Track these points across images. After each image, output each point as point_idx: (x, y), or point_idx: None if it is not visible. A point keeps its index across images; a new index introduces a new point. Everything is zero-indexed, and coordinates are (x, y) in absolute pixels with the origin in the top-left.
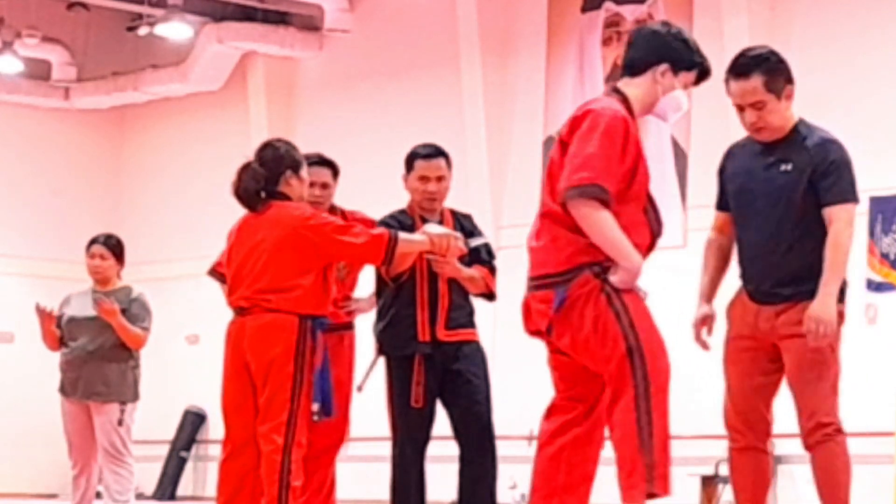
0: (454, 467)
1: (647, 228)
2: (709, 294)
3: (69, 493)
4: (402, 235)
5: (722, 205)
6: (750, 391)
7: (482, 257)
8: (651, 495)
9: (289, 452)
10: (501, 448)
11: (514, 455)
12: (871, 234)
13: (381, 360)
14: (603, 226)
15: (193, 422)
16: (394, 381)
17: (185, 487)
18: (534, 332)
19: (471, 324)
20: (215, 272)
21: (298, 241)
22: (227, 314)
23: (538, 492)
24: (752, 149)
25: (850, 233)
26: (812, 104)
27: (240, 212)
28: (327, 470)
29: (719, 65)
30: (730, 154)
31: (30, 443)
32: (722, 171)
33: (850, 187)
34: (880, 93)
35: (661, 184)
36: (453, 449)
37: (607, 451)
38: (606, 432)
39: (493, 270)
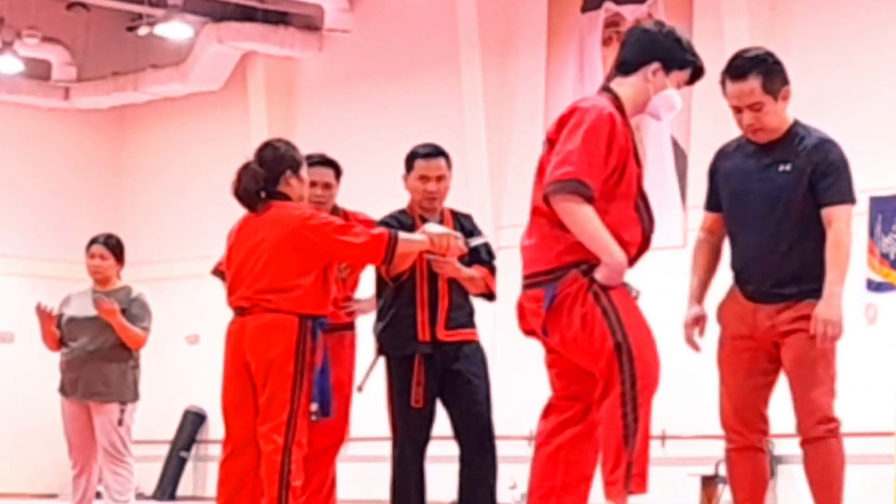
0: (454, 467)
1: (637, 226)
2: (699, 295)
3: (69, 493)
4: (402, 235)
5: (712, 205)
6: (748, 391)
7: (482, 257)
8: (629, 493)
9: (289, 452)
10: (501, 448)
11: (514, 455)
12: (871, 234)
13: (382, 361)
14: (584, 221)
15: (193, 422)
16: (394, 381)
17: (185, 487)
18: (528, 331)
19: (471, 324)
20: (219, 272)
21: (298, 241)
22: (227, 314)
23: (536, 491)
24: (747, 150)
25: (850, 233)
26: (812, 104)
27: (240, 212)
28: (327, 470)
29: (719, 65)
30: (722, 155)
31: (30, 443)
32: (714, 172)
33: (849, 188)
34: (880, 93)
35: (661, 184)
36: (453, 449)
37: None
38: None
39: (493, 270)
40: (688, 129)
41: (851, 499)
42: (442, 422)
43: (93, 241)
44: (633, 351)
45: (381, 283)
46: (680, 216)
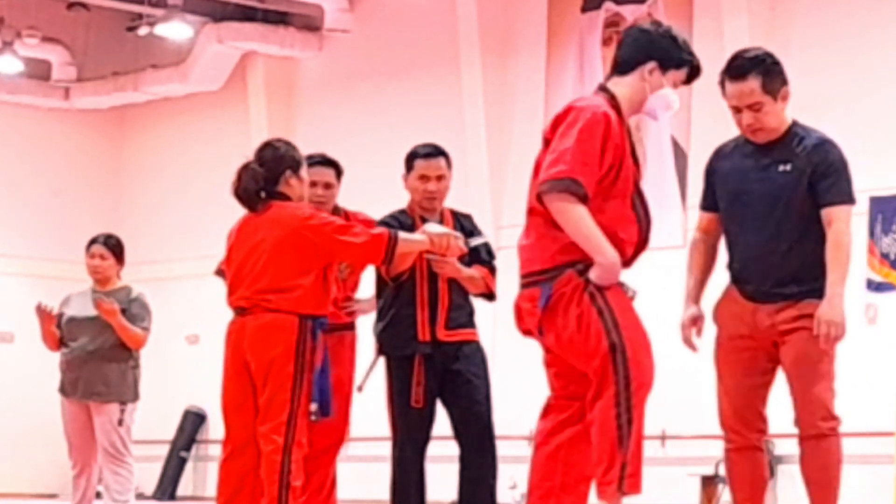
0: (454, 467)
1: (634, 225)
2: (696, 295)
3: (69, 493)
4: (402, 235)
5: (708, 205)
6: (747, 390)
7: (482, 257)
8: (623, 494)
9: (289, 452)
10: (501, 448)
11: (514, 455)
12: (871, 234)
13: (381, 361)
14: (577, 220)
15: (193, 422)
16: (394, 381)
17: (185, 487)
18: (525, 331)
19: (471, 324)
20: (222, 272)
21: (298, 241)
22: (227, 314)
23: (536, 491)
24: (745, 150)
25: (850, 233)
26: (812, 104)
27: (240, 212)
28: (327, 470)
29: (719, 65)
30: (719, 155)
31: (30, 443)
32: (711, 173)
33: (849, 188)
34: (880, 93)
35: (661, 184)
36: (453, 449)
37: None
38: None
39: (493, 270)
40: (688, 128)
41: (851, 499)
42: (442, 422)
43: (93, 241)
44: (627, 352)
45: (381, 283)
46: (680, 216)
